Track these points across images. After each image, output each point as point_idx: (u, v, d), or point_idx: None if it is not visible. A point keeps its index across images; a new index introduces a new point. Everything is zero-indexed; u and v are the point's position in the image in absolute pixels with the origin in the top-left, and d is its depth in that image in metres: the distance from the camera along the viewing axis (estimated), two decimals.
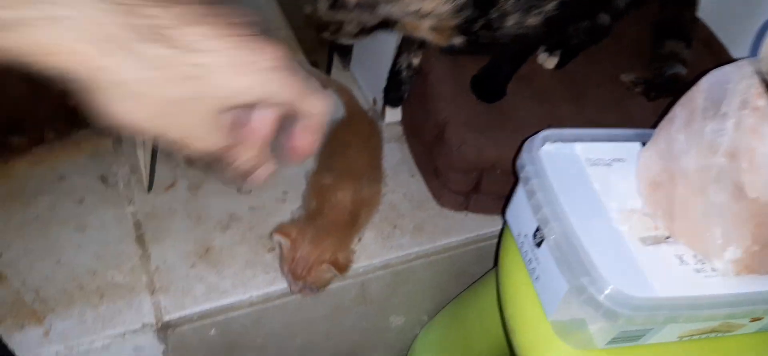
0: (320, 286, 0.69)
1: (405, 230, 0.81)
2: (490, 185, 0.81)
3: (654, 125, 0.71)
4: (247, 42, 0.32)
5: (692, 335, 0.55)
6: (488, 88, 0.82)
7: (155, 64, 0.29)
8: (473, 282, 0.85)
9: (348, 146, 0.78)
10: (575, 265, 0.49)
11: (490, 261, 0.87)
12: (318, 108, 0.36)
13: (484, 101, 0.81)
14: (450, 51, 0.72)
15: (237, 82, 0.32)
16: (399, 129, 0.95)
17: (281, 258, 0.69)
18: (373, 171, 0.80)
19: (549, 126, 0.82)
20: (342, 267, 0.67)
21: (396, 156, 0.91)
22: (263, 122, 0.36)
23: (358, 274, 0.76)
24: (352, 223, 0.72)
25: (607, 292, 0.47)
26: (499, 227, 0.84)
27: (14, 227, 0.72)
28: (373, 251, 0.77)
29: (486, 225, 0.84)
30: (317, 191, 0.73)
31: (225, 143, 0.35)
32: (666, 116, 0.55)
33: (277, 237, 0.67)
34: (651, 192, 0.54)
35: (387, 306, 0.85)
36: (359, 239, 0.78)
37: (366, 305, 0.83)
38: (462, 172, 0.79)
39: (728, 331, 0.56)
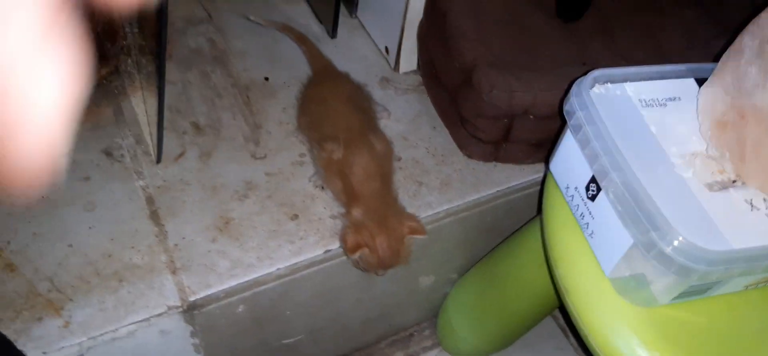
0: (409, 258, 0.68)
1: (431, 187, 0.77)
2: (521, 133, 0.76)
3: (686, 57, 0.66)
4: None
5: (758, 283, 0.51)
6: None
7: None
8: (506, 238, 0.81)
9: (329, 106, 0.73)
10: (641, 219, 0.44)
11: (521, 215, 0.83)
12: None
13: (570, 19, 0.76)
14: None
15: None
16: (416, 78, 0.90)
17: (367, 266, 0.66)
18: (368, 121, 0.75)
19: (583, 63, 0.77)
20: (420, 229, 0.66)
21: (414, 108, 0.86)
22: None
23: None
24: (388, 182, 0.69)
25: (679, 247, 0.43)
26: (530, 177, 0.80)
27: (19, 212, 0.67)
28: None
29: (516, 176, 0.79)
30: (334, 170, 0.68)
31: None
32: (731, 47, 0.49)
33: (358, 254, 0.64)
34: (717, 133, 0.49)
35: (416, 267, 0.81)
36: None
37: (395, 267, 0.79)
38: (492, 119, 0.74)
39: None
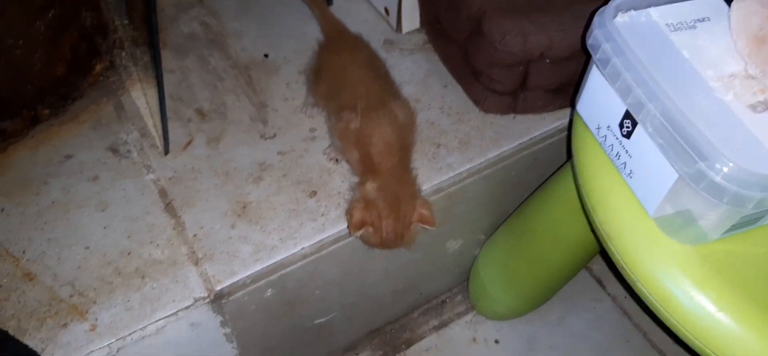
0: (413, 244, 0.65)
1: (450, 147, 0.74)
2: (538, 79, 0.73)
3: None
4: None
5: None
6: None
7: None
8: (534, 191, 0.79)
9: (348, 72, 0.69)
10: (686, 149, 0.42)
11: (547, 166, 0.80)
12: None
13: None
14: None
15: None
16: (421, 37, 0.87)
17: (367, 243, 0.64)
18: (389, 86, 0.71)
19: None
20: (429, 219, 0.62)
21: (423, 68, 0.83)
22: None
23: None
24: (406, 157, 0.65)
25: (731, 174, 0.40)
26: (552, 126, 0.77)
27: (30, 220, 0.66)
28: (420, 177, 0.70)
29: (537, 126, 0.76)
30: (352, 140, 0.64)
31: None
32: None
33: (360, 232, 0.61)
34: (755, 49, 0.46)
35: (442, 231, 0.79)
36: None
37: (421, 234, 0.77)
38: (506, 68, 0.71)
39: None
